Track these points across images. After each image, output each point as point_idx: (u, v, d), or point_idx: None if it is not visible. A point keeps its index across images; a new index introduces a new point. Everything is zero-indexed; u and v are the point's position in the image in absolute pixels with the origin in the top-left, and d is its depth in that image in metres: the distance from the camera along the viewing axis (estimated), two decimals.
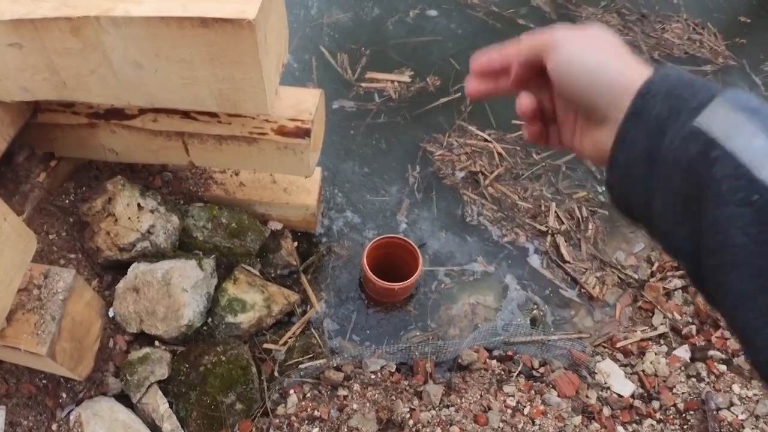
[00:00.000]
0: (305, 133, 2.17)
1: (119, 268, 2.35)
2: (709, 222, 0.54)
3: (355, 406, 2.26)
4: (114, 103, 2.15)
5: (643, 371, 2.50)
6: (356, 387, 2.33)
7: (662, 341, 2.65)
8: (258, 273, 2.52)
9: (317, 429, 2.20)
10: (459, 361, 2.52)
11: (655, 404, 2.38)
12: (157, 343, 2.28)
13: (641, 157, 0.60)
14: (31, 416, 2.13)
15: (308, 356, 2.43)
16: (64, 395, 2.18)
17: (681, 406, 2.35)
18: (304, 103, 2.23)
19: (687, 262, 0.59)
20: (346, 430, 2.19)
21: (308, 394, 2.32)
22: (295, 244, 2.76)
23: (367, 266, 2.50)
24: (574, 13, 4.08)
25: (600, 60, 0.65)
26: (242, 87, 1.84)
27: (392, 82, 3.56)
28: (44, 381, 2.18)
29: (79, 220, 2.43)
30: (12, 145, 2.24)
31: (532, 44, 0.70)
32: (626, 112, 0.61)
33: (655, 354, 2.57)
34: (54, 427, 2.13)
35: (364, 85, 3.54)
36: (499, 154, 3.27)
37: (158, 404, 2.15)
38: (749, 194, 0.50)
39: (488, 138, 3.34)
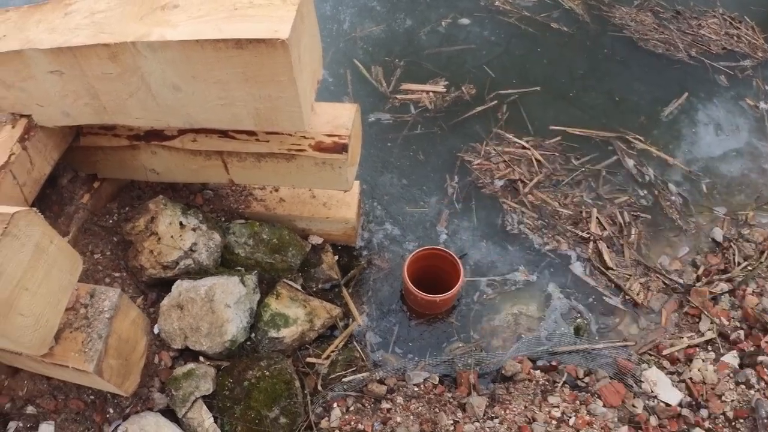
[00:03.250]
0: (342, 148, 2.18)
1: (163, 286, 2.39)
2: None
3: (398, 419, 2.25)
4: (154, 125, 2.19)
5: (691, 379, 2.44)
6: (399, 400, 2.33)
7: (710, 347, 2.58)
8: (300, 288, 2.54)
9: None
10: (502, 372, 2.49)
11: (704, 413, 2.32)
12: (201, 358, 2.31)
13: None
14: (79, 431, 2.17)
15: (351, 369, 2.43)
16: (111, 411, 2.21)
17: (730, 414, 2.29)
18: (341, 118, 2.24)
19: None
20: None
21: (351, 408, 2.32)
22: (336, 257, 2.77)
23: (408, 279, 2.49)
24: (607, 15, 4.03)
25: None
26: (278, 105, 1.86)
27: (427, 92, 3.55)
28: (92, 397, 2.22)
29: (122, 239, 2.48)
30: (56, 168, 2.30)
31: None
32: None
33: (703, 361, 2.50)
34: None
35: (399, 96, 3.55)
36: (538, 161, 3.24)
37: (203, 419, 2.17)
38: None
39: (526, 145, 3.31)
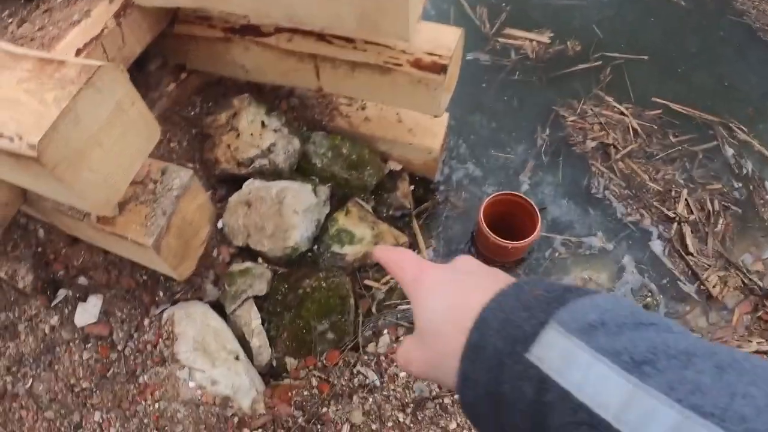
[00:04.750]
0: (442, 69, 2.08)
1: (234, 183, 2.36)
2: None
3: None
4: (252, 15, 2.14)
5: None
6: None
7: None
8: (370, 209, 2.48)
9: (405, 373, 2.15)
10: None
11: None
12: (260, 260, 2.28)
13: (486, 396, 0.50)
14: (125, 309, 2.18)
15: (407, 300, 2.37)
16: (161, 293, 2.22)
17: None
18: (444, 39, 2.14)
19: None
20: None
21: (401, 338, 2.27)
22: (412, 187, 2.70)
23: (483, 220, 2.41)
24: None
25: (453, 303, 0.57)
26: (386, 6, 1.76)
27: (531, 41, 3.41)
28: (144, 277, 2.22)
29: (201, 132, 2.46)
30: (146, 53, 2.28)
31: (400, 279, 0.67)
32: (464, 347, 0.52)
33: None
34: (146, 322, 2.17)
35: (501, 40, 3.41)
36: (634, 130, 3.08)
37: (251, 319, 2.15)
38: None
39: (625, 111, 3.15)
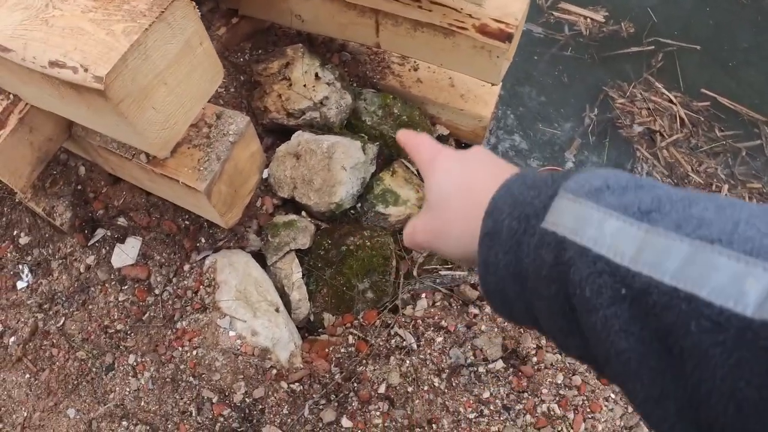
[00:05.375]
0: (507, 37, 2.04)
1: (281, 134, 2.33)
2: (590, 332, 0.46)
3: (483, 328, 2.18)
4: None
5: None
6: (488, 309, 2.25)
7: None
8: (415, 172, 2.45)
9: (441, 338, 2.14)
10: None
11: None
12: (303, 213, 2.26)
13: (508, 276, 0.54)
14: (165, 253, 2.16)
15: (447, 266, 2.35)
16: (203, 240, 2.19)
17: None
18: (511, 7, 2.09)
19: (595, 369, 0.52)
20: (470, 347, 2.13)
21: (438, 303, 2.25)
22: None
23: None
24: None
25: (465, 183, 0.64)
26: None
27: (585, 18, 3.36)
28: (187, 222, 2.19)
29: (249, 79, 2.42)
30: None
31: (417, 158, 0.74)
32: (480, 234, 0.56)
33: None
34: (186, 267, 2.15)
35: (555, 14, 3.36)
36: (681, 120, 3.05)
37: (292, 271, 2.14)
38: (617, 289, 0.43)
39: (673, 99, 3.11)
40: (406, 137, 0.77)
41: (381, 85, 2.53)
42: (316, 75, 2.30)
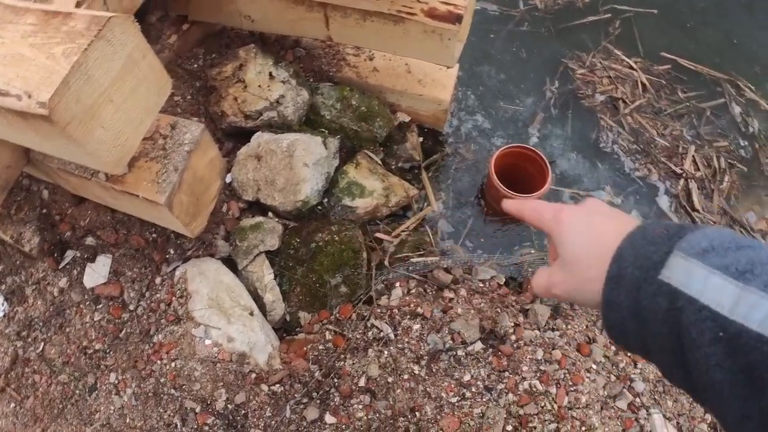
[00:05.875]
0: (457, 19, 2.03)
1: (241, 136, 2.32)
2: (693, 365, 0.59)
3: (459, 311, 2.18)
4: None
5: None
6: (463, 292, 2.25)
7: None
8: (380, 162, 2.45)
9: (418, 325, 2.14)
10: None
11: None
12: (270, 214, 2.25)
13: (629, 315, 0.66)
14: (136, 268, 2.15)
15: (419, 253, 2.35)
16: (172, 251, 2.18)
17: None
18: None
19: (692, 395, 0.65)
20: (447, 332, 2.13)
21: (413, 291, 2.25)
22: (421, 139, 2.67)
23: (494, 172, 2.38)
24: None
25: (591, 237, 0.74)
26: None
27: None
28: (154, 235, 2.18)
29: (205, 84, 2.40)
30: (146, 5, 2.21)
31: (538, 220, 0.84)
32: (606, 279, 0.68)
33: None
34: (157, 280, 2.14)
35: None
36: (643, 85, 3.05)
37: (263, 274, 2.13)
38: (716, 332, 0.56)
39: (634, 65, 3.11)
40: (515, 204, 0.89)
41: (338, 78, 2.52)
42: (270, 74, 2.28)
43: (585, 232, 0.76)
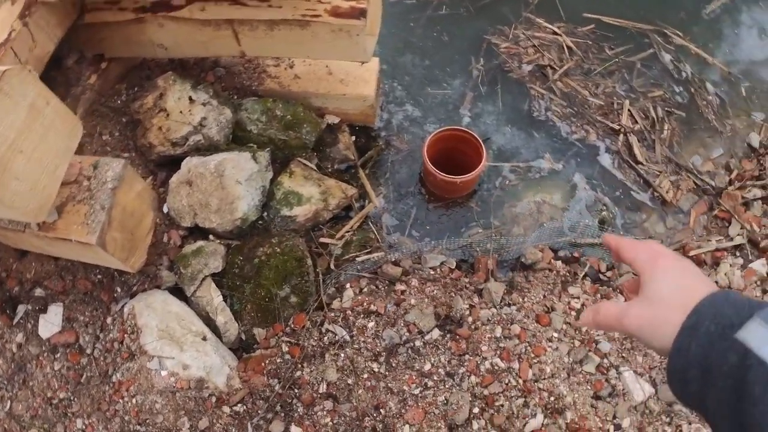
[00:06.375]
0: (361, 13, 2.04)
1: (173, 164, 2.31)
2: (749, 418, 0.62)
3: (412, 302, 2.19)
4: None
5: (717, 282, 2.34)
6: (414, 282, 2.26)
7: (738, 253, 2.49)
8: (314, 167, 2.45)
9: (373, 323, 2.15)
10: (522, 260, 2.42)
11: None
12: (211, 237, 2.25)
13: (695, 363, 0.70)
14: (87, 311, 2.15)
15: (366, 251, 2.36)
16: (119, 289, 2.18)
17: None
18: None
19: None
20: (402, 324, 2.14)
21: (365, 289, 2.26)
22: (353, 138, 2.67)
23: (427, 159, 2.39)
24: None
25: (680, 285, 0.79)
26: None
27: None
28: (99, 276, 2.19)
29: (131, 119, 2.40)
30: (61, 49, 2.20)
31: (632, 259, 0.87)
32: (682, 325, 0.72)
33: (730, 266, 2.42)
34: (109, 320, 2.14)
35: None
36: (569, 48, 3.07)
37: (212, 297, 2.13)
38: None
39: (557, 31, 3.13)
40: (615, 241, 0.93)
41: (261, 91, 2.52)
42: (190, 98, 2.28)
43: (677, 278, 0.80)
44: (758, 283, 2.35)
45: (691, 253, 2.48)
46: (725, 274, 2.39)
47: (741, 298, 0.72)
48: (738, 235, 2.54)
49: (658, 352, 0.77)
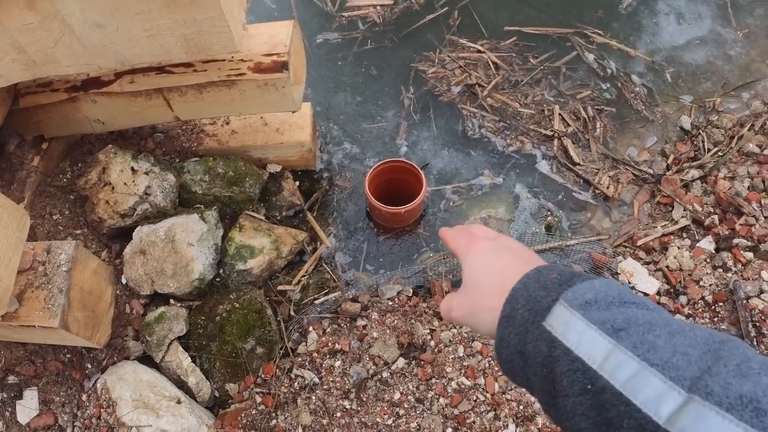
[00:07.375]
0: (283, 66, 2.12)
1: (125, 235, 2.36)
2: (561, 410, 0.64)
3: (375, 335, 2.26)
4: (86, 71, 2.12)
5: (668, 267, 2.43)
6: (374, 315, 2.33)
7: (684, 234, 2.57)
8: (263, 218, 2.51)
9: (339, 362, 2.21)
10: None
11: (683, 299, 2.31)
12: (172, 301, 2.30)
13: (516, 353, 0.71)
14: (62, 392, 2.18)
15: (323, 292, 2.42)
16: (89, 365, 2.21)
17: (709, 298, 2.28)
18: (278, 36, 2.17)
19: None
20: (368, 358, 2.20)
21: (328, 329, 2.32)
22: (297, 183, 2.73)
23: (369, 193, 2.46)
24: None
25: (493, 270, 0.80)
26: (206, 28, 1.78)
27: (374, 6, 3.44)
28: (68, 356, 2.22)
29: (78, 195, 2.43)
30: (1, 135, 2.24)
31: (454, 248, 0.89)
32: (501, 315, 0.73)
33: (678, 248, 2.49)
34: (84, 397, 2.17)
35: (346, 14, 3.43)
36: (495, 64, 3.17)
37: (181, 360, 2.17)
38: (585, 384, 0.61)
39: (481, 48, 3.23)
40: (443, 233, 0.95)
41: (201, 151, 2.57)
42: (132, 169, 2.33)
43: (488, 263, 0.81)
44: (708, 260, 2.42)
45: (640, 242, 2.57)
46: (675, 257, 2.46)
47: (551, 276, 0.72)
48: (682, 217, 2.62)
49: (491, 339, 0.78)
